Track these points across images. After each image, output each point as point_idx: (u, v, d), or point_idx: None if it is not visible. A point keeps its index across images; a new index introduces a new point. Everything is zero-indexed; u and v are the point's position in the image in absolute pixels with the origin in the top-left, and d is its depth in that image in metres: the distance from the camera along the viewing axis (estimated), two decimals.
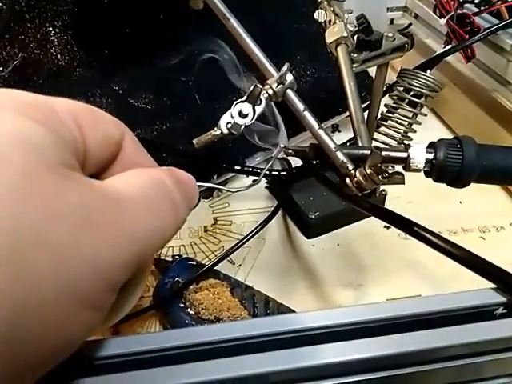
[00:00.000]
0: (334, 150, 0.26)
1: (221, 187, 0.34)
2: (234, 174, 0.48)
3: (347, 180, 0.26)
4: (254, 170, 0.45)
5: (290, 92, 0.26)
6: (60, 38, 0.42)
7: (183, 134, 0.47)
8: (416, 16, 0.64)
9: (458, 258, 0.23)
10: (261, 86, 0.25)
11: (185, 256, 0.40)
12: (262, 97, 0.25)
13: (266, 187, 0.49)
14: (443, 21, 0.50)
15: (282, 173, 0.45)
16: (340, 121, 0.55)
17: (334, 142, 0.26)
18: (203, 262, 0.40)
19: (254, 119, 0.25)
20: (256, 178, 0.50)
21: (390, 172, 0.25)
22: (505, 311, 0.21)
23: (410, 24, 0.66)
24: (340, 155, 0.26)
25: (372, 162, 0.25)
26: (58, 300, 0.13)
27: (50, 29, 0.42)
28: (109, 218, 0.14)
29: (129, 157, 0.18)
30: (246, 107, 0.25)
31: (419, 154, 0.26)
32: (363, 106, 0.49)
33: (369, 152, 0.26)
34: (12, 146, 0.13)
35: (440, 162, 0.25)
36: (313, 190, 0.44)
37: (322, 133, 0.26)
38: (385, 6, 0.63)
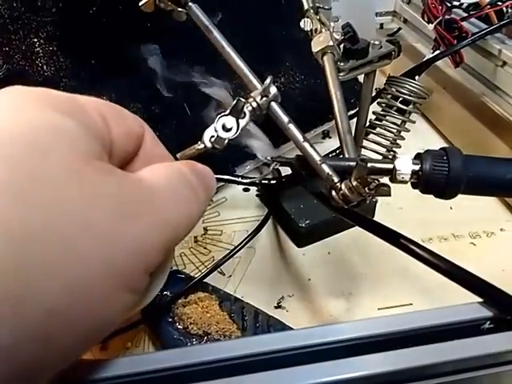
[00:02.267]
0: (319, 162, 0.25)
1: (235, 179, 0.33)
2: (223, 183, 0.48)
3: (333, 193, 0.25)
4: (244, 179, 0.44)
5: (274, 104, 0.26)
6: (45, 49, 0.42)
7: (173, 144, 0.47)
8: (405, 21, 0.64)
9: (444, 272, 0.23)
10: (244, 100, 0.24)
11: (174, 268, 0.40)
12: (245, 110, 0.25)
13: (257, 195, 0.49)
14: (431, 26, 0.50)
15: (272, 181, 0.45)
16: (330, 127, 0.55)
17: (319, 154, 0.26)
18: (193, 274, 0.40)
19: (238, 133, 0.25)
20: (247, 186, 0.50)
21: (376, 184, 0.25)
22: (492, 326, 0.20)
23: (400, 29, 0.67)
24: (325, 168, 0.25)
25: (358, 174, 0.25)
26: (102, 280, 0.14)
27: (35, 40, 0.41)
28: (144, 205, 0.16)
29: (149, 150, 0.19)
30: (230, 121, 0.25)
31: (405, 166, 0.25)
32: (352, 112, 0.49)
33: (354, 163, 0.26)
34: (53, 139, 0.14)
35: (426, 174, 0.25)
36: (303, 198, 0.44)
37: (306, 145, 0.26)
38: (373, 11, 0.63)
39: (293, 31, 0.53)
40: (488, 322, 0.20)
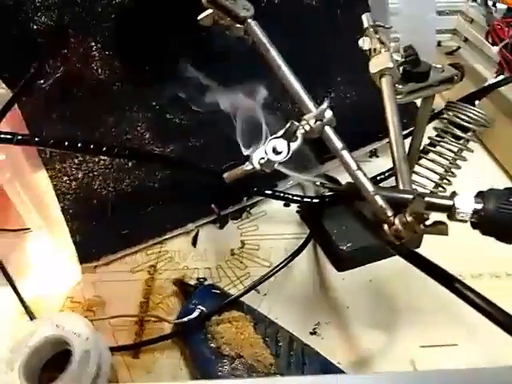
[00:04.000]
0: (372, 193, 0.24)
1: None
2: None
3: (385, 227, 0.24)
4: (285, 195, 0.43)
5: (328, 129, 0.25)
6: (101, 53, 0.43)
7: (217, 153, 0.47)
8: (466, 40, 0.61)
9: (501, 324, 0.21)
10: (297, 123, 0.24)
11: (209, 281, 0.39)
12: (298, 133, 0.24)
13: (297, 212, 0.48)
14: (496, 49, 0.47)
15: (315, 200, 0.44)
16: (379, 146, 0.53)
17: (372, 184, 0.25)
18: (227, 289, 0.39)
19: (289, 156, 0.24)
20: (286, 202, 0.48)
21: (432, 221, 0.23)
22: None
23: (459, 47, 0.64)
24: (378, 199, 0.24)
25: (414, 209, 0.23)
26: None
27: (92, 44, 0.42)
28: None
29: None
30: (281, 144, 0.24)
31: (466, 204, 0.24)
32: (404, 132, 0.47)
33: (410, 197, 0.24)
34: None
35: (489, 215, 0.23)
36: (347, 218, 0.42)
37: (360, 174, 0.24)
38: (434, 27, 0.60)
39: (346, 46, 0.52)
40: None
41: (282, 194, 0.44)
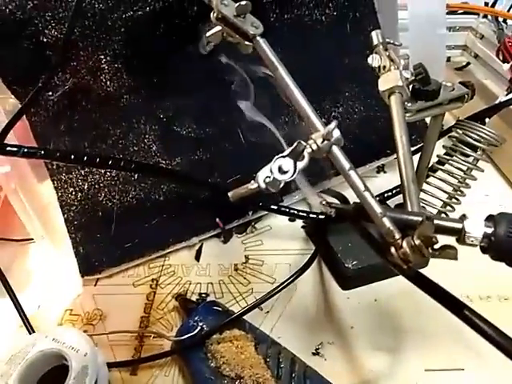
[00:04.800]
0: (379, 215, 0.24)
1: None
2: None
3: (392, 249, 0.23)
4: (291, 211, 0.43)
5: (335, 148, 0.24)
6: (110, 66, 0.43)
7: (223, 167, 0.47)
8: (476, 56, 0.61)
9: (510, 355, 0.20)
10: (304, 143, 0.23)
11: (212, 297, 0.39)
12: (305, 152, 0.24)
13: (303, 227, 0.47)
14: (507, 66, 0.47)
15: (321, 216, 0.43)
16: (386, 162, 0.52)
17: (380, 205, 0.24)
18: (229, 305, 0.38)
19: (295, 176, 0.24)
20: (291, 217, 0.48)
21: (441, 245, 0.23)
22: None
23: (468, 63, 0.63)
24: (386, 222, 0.23)
25: (422, 232, 0.23)
26: None
27: (102, 57, 0.42)
28: None
29: None
30: (287, 163, 0.23)
31: (476, 228, 0.23)
32: (413, 149, 0.46)
33: (419, 219, 0.24)
34: None
35: (500, 240, 0.23)
36: (352, 235, 0.41)
37: (367, 195, 0.24)
38: (444, 44, 0.60)
39: (354, 61, 0.52)
40: None
41: (287, 209, 0.43)
